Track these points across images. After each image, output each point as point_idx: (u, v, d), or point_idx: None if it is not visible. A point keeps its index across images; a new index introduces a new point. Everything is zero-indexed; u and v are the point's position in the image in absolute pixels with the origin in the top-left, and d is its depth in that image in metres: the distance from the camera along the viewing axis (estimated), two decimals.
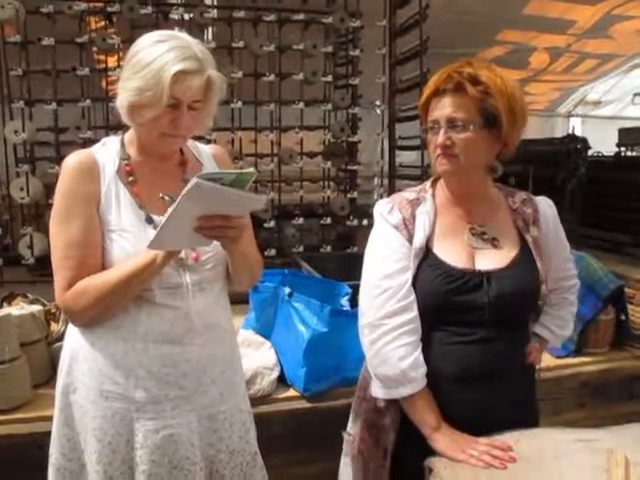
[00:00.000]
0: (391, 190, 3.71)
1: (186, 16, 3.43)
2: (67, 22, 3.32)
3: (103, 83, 3.45)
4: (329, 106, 3.64)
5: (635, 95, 6.70)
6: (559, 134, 5.94)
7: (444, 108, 1.30)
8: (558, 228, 1.46)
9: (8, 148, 3.34)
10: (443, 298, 1.31)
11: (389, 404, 1.37)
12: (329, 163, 3.71)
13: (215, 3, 3.68)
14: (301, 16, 3.47)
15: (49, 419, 1.40)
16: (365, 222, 3.55)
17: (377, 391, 1.36)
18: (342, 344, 1.93)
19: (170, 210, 1.12)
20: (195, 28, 3.27)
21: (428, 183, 1.46)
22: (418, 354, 1.31)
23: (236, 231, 1.21)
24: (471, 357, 1.32)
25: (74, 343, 1.35)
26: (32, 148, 3.48)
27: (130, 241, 1.28)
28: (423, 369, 1.31)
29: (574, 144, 3.82)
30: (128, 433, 1.31)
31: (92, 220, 1.28)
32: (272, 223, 3.47)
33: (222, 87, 1.30)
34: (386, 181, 3.87)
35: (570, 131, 4.37)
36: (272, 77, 3.46)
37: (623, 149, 4.40)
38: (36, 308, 2.09)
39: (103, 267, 1.29)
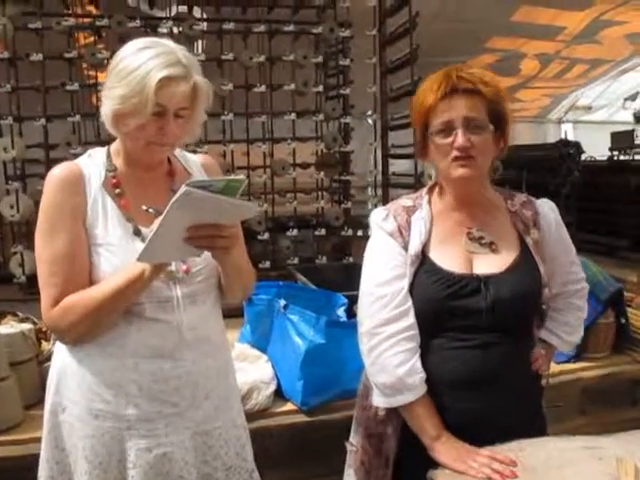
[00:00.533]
0: (385, 199, 3.70)
1: (175, 29, 3.43)
2: (56, 38, 3.32)
3: (93, 99, 3.44)
4: (321, 116, 3.64)
5: (626, 100, 6.75)
6: (551, 140, 5.96)
7: (458, 109, 1.26)
8: (561, 231, 1.43)
9: None
10: (440, 304, 1.29)
11: (390, 412, 1.35)
12: (322, 174, 3.70)
13: (204, 16, 3.68)
14: (291, 27, 3.47)
15: (40, 440, 1.35)
16: (360, 232, 3.53)
17: (378, 400, 1.34)
18: (340, 355, 1.90)
19: (159, 220, 1.09)
20: (184, 41, 3.26)
21: (424, 190, 1.44)
22: (415, 361, 1.29)
23: (227, 241, 1.18)
24: (471, 362, 1.29)
25: (62, 361, 1.31)
26: (22, 165, 3.46)
27: (118, 255, 1.25)
28: (421, 376, 1.29)
29: (567, 149, 3.83)
30: (120, 452, 1.27)
31: (78, 234, 1.25)
32: (266, 235, 3.45)
33: (209, 93, 1.27)
34: (380, 191, 3.86)
35: (563, 136, 4.38)
36: (263, 88, 3.45)
37: (616, 153, 4.41)
38: (26, 327, 2.05)
39: (91, 282, 1.25)
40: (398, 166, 4.05)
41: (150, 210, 1.24)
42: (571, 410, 2.28)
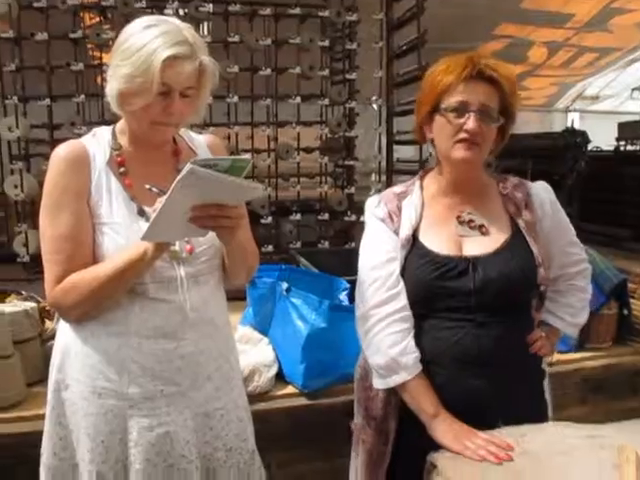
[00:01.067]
0: (388, 185, 3.67)
1: (181, 11, 3.40)
2: (61, 17, 3.29)
3: (98, 79, 3.41)
4: (326, 101, 3.62)
5: (634, 90, 6.68)
6: (558, 129, 5.92)
7: (478, 94, 1.27)
8: (557, 211, 1.43)
9: (2, 145, 3.30)
10: (429, 285, 1.32)
11: (388, 392, 1.38)
12: (326, 158, 3.68)
13: None
14: (297, 10, 3.44)
15: (43, 417, 1.36)
16: (363, 218, 3.51)
17: (376, 382, 1.38)
18: (341, 339, 1.90)
19: (163, 199, 1.08)
20: (190, 23, 3.23)
21: (417, 176, 1.47)
22: (409, 341, 1.32)
23: (232, 221, 1.17)
24: (464, 341, 1.31)
25: (66, 339, 1.31)
26: (26, 145, 3.44)
27: (122, 234, 1.24)
28: (415, 355, 1.31)
29: (574, 138, 3.79)
30: (122, 431, 1.27)
31: (82, 213, 1.24)
32: (269, 219, 3.45)
33: (215, 73, 1.26)
34: (384, 177, 3.84)
35: (569, 125, 4.34)
36: (268, 71, 3.43)
37: (622, 143, 4.37)
38: (30, 305, 2.05)
39: (94, 261, 1.25)
40: (403, 152, 4.03)
41: (153, 189, 1.23)
42: (572, 399, 2.29)
